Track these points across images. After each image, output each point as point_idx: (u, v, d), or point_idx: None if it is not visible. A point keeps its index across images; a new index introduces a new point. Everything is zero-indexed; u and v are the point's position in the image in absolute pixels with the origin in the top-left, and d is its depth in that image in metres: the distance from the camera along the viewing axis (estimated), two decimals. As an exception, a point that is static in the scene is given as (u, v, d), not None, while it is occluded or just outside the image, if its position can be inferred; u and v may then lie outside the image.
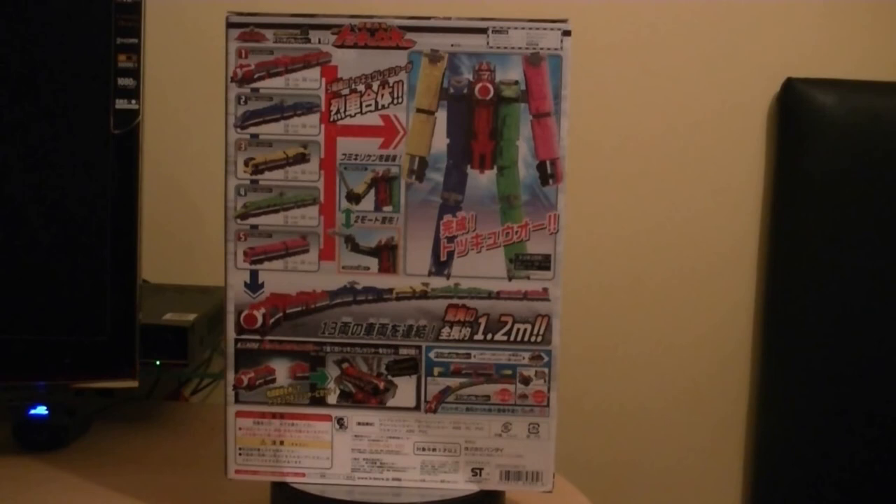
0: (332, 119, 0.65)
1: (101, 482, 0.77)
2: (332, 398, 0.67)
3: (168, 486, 0.76)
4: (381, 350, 0.67)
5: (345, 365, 0.67)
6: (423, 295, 0.66)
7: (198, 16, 1.14)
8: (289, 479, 0.68)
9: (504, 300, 0.66)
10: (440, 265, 0.66)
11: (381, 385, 0.67)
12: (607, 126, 1.20)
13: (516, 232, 0.66)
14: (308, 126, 0.65)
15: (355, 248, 0.66)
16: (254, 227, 0.66)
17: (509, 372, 0.67)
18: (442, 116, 0.65)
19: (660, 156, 1.21)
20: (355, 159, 0.65)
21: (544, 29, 0.65)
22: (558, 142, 0.65)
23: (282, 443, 0.68)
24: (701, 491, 1.25)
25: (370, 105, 0.65)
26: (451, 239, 0.66)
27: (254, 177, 0.66)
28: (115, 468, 0.81)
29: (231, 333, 0.67)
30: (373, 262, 0.66)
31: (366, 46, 0.65)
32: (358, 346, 0.67)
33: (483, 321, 0.66)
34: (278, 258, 0.66)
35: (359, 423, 0.67)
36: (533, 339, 0.66)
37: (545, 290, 0.66)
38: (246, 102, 0.65)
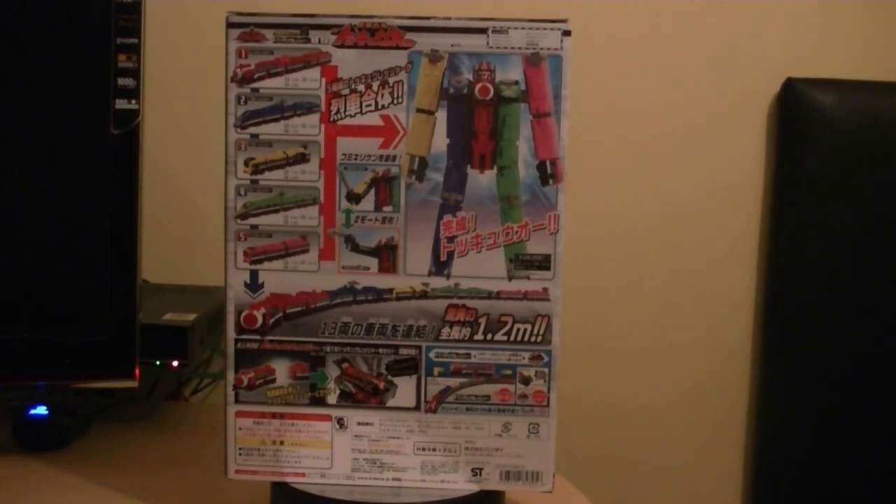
0: (332, 119, 0.65)
1: (101, 482, 0.77)
2: (332, 398, 0.67)
3: (168, 486, 0.76)
4: (381, 350, 0.67)
5: (345, 365, 0.67)
6: (423, 295, 0.66)
7: (198, 16, 1.14)
8: (289, 479, 0.68)
9: (504, 300, 0.66)
10: (440, 265, 0.66)
11: (381, 385, 0.67)
12: (607, 126, 1.20)
13: (516, 232, 0.66)
14: (308, 126, 0.65)
15: (355, 248, 0.66)
16: (254, 227, 0.66)
17: (509, 372, 0.67)
18: (442, 116, 0.65)
19: (660, 156, 1.21)
20: (355, 159, 0.65)
21: (544, 29, 0.65)
22: (558, 142, 0.65)
23: (282, 443, 0.68)
24: (701, 491, 1.25)
25: (370, 105, 0.65)
26: (451, 239, 0.66)
27: (254, 177, 0.66)
28: (115, 468, 0.81)
29: (231, 333, 0.67)
30: (373, 262, 0.66)
31: (366, 46, 0.65)
32: (358, 346, 0.67)
33: (483, 321, 0.66)
34: (278, 258, 0.66)
35: (359, 423, 0.67)
36: (533, 339, 0.66)
37: (545, 290, 0.66)
38: (246, 102, 0.65)
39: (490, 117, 0.65)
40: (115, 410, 0.96)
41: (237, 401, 0.67)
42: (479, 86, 0.65)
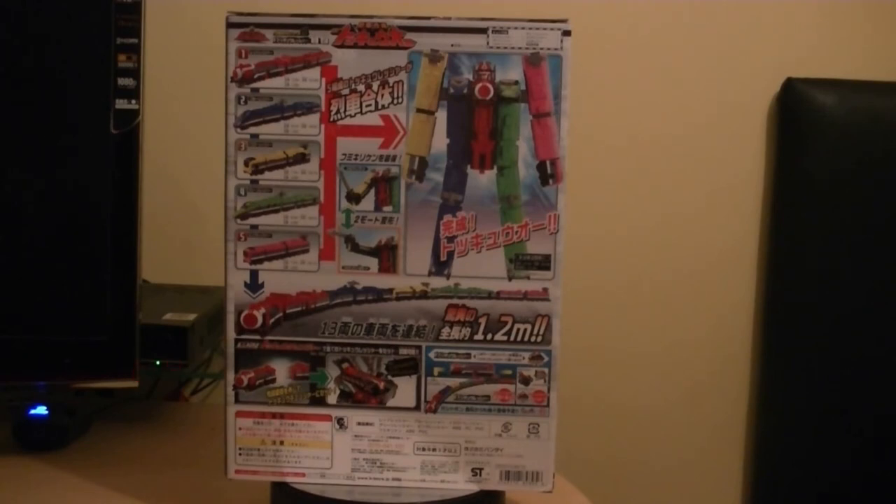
0: (332, 119, 0.65)
1: (101, 482, 0.77)
2: (332, 398, 0.67)
3: (168, 486, 0.76)
4: (381, 350, 0.67)
5: (345, 365, 0.67)
6: (423, 295, 0.66)
7: (198, 16, 1.14)
8: (289, 479, 0.68)
9: (504, 300, 0.66)
10: (440, 265, 0.66)
11: (381, 385, 0.67)
12: (607, 126, 1.20)
13: (516, 232, 0.66)
14: (308, 126, 0.65)
15: (355, 248, 0.66)
16: (254, 227, 0.66)
17: (509, 372, 0.67)
18: (442, 116, 0.65)
19: (660, 156, 1.21)
20: (355, 159, 0.65)
21: (544, 29, 0.65)
22: (558, 142, 0.65)
23: (282, 443, 0.68)
24: (701, 491, 1.25)
25: (370, 105, 0.65)
26: (451, 239, 0.66)
27: (254, 177, 0.66)
28: (115, 468, 0.81)
29: (231, 333, 0.67)
30: (373, 262, 0.66)
31: (366, 46, 0.65)
32: (358, 346, 0.67)
33: (483, 321, 0.66)
34: (278, 258, 0.66)
35: (359, 423, 0.67)
36: (533, 339, 0.66)
37: (545, 290, 0.66)
38: (246, 102, 0.65)
39: (490, 117, 0.65)
40: (115, 410, 0.96)
41: (237, 401, 0.67)
42: (479, 86, 0.65)
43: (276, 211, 0.66)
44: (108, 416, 0.94)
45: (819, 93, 1.16)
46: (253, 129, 0.65)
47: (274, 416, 0.67)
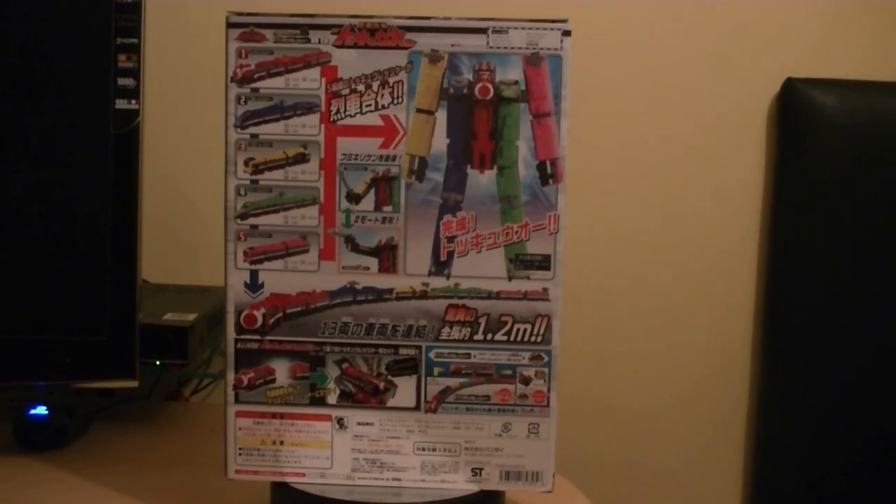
0: (332, 119, 0.65)
1: (101, 482, 0.77)
2: (332, 398, 0.67)
3: (168, 486, 0.76)
4: (381, 350, 0.67)
5: (345, 365, 0.67)
6: (423, 295, 0.66)
7: (198, 16, 1.14)
8: (289, 479, 0.68)
9: (504, 300, 0.66)
10: (440, 265, 0.66)
11: (381, 385, 0.67)
12: (607, 126, 1.20)
13: (516, 232, 0.66)
14: (308, 126, 0.65)
15: (355, 248, 0.66)
16: (254, 227, 0.66)
17: (509, 372, 0.67)
18: (442, 116, 0.65)
19: (660, 156, 1.21)
20: (355, 159, 0.65)
21: (544, 29, 0.65)
22: (558, 142, 0.65)
23: (282, 443, 0.68)
24: (701, 491, 1.25)
25: (370, 105, 0.65)
26: (451, 239, 0.66)
27: (254, 177, 0.66)
28: (115, 468, 0.81)
29: (231, 333, 0.67)
30: (373, 262, 0.66)
31: (366, 46, 0.65)
32: (358, 346, 0.67)
33: (483, 321, 0.66)
34: (278, 258, 0.66)
35: (359, 423, 0.67)
36: (533, 339, 0.66)
37: (545, 290, 0.66)
38: (246, 102, 0.65)
39: (490, 117, 0.65)
40: (115, 410, 0.96)
41: (237, 401, 0.67)
42: (479, 86, 0.65)
43: (276, 211, 0.66)
44: (108, 416, 0.94)
45: (819, 93, 1.16)
46: (253, 129, 0.65)
47: (274, 416, 0.67)
